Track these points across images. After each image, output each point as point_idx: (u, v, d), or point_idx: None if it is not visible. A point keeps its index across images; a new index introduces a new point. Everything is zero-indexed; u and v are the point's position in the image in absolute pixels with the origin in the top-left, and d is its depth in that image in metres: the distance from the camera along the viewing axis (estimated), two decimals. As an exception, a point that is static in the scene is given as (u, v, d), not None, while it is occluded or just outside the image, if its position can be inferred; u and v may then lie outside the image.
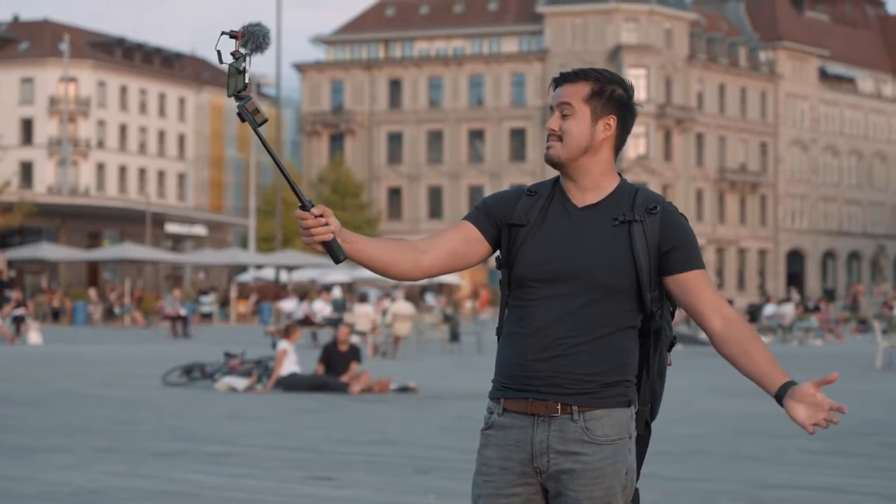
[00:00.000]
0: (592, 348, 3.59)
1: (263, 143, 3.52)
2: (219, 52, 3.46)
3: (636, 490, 3.72)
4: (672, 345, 3.76)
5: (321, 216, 3.46)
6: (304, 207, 3.47)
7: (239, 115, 3.48)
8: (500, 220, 3.70)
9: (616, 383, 3.62)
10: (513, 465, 3.64)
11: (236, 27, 3.49)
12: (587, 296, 3.59)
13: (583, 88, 3.67)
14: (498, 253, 3.74)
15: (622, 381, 3.63)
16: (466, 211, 20.58)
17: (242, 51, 3.45)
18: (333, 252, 3.49)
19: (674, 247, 3.62)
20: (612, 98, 3.68)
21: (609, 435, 3.60)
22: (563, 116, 3.67)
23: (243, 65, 3.45)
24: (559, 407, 3.59)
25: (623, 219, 3.63)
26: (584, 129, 3.66)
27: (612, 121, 3.69)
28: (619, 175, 3.72)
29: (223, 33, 3.47)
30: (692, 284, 3.62)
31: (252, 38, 3.45)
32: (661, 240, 3.62)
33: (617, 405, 3.62)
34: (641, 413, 3.71)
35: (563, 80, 3.71)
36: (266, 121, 3.48)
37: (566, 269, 3.60)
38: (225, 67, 3.47)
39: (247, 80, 3.46)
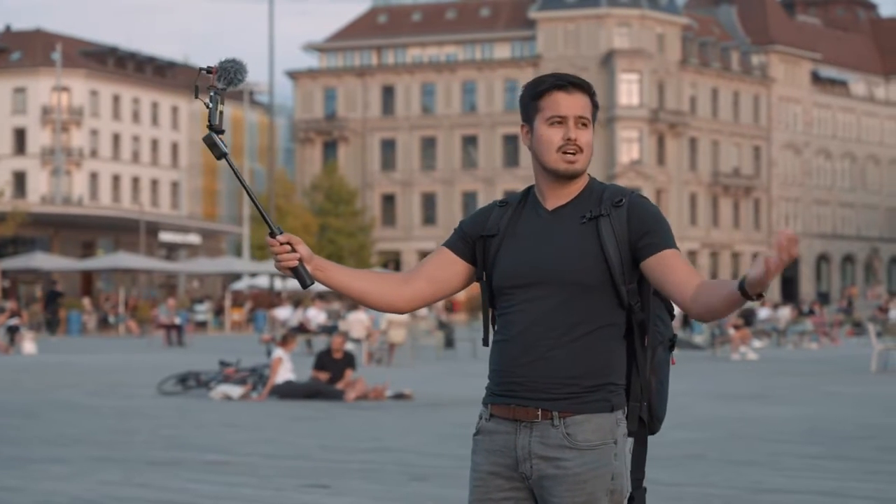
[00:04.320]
0: (570, 350, 3.59)
1: (235, 173, 3.67)
2: (196, 87, 3.61)
3: (644, 489, 3.70)
4: (672, 345, 3.73)
5: (287, 243, 3.62)
6: (272, 234, 3.64)
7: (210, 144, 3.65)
8: (472, 236, 3.76)
9: (598, 387, 3.60)
10: (501, 469, 3.67)
11: (213, 63, 3.64)
12: (560, 295, 3.60)
13: (589, 101, 3.73)
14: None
15: (606, 384, 3.61)
16: (461, 217, 20.56)
17: (218, 85, 3.60)
18: (300, 277, 3.65)
19: (645, 232, 3.61)
20: (596, 108, 3.78)
21: (591, 440, 3.59)
22: (583, 127, 3.70)
23: (206, 101, 3.59)
24: (539, 413, 3.60)
25: (590, 215, 3.65)
26: (592, 139, 3.73)
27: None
28: (588, 175, 3.76)
29: (201, 69, 3.62)
30: (662, 265, 3.58)
31: (224, 73, 3.62)
32: (631, 229, 3.62)
33: (598, 410, 3.60)
34: (633, 409, 3.66)
35: (575, 88, 3.71)
36: (225, 154, 3.63)
37: (538, 272, 3.63)
38: (215, 96, 3.61)
39: (218, 117, 3.60)
